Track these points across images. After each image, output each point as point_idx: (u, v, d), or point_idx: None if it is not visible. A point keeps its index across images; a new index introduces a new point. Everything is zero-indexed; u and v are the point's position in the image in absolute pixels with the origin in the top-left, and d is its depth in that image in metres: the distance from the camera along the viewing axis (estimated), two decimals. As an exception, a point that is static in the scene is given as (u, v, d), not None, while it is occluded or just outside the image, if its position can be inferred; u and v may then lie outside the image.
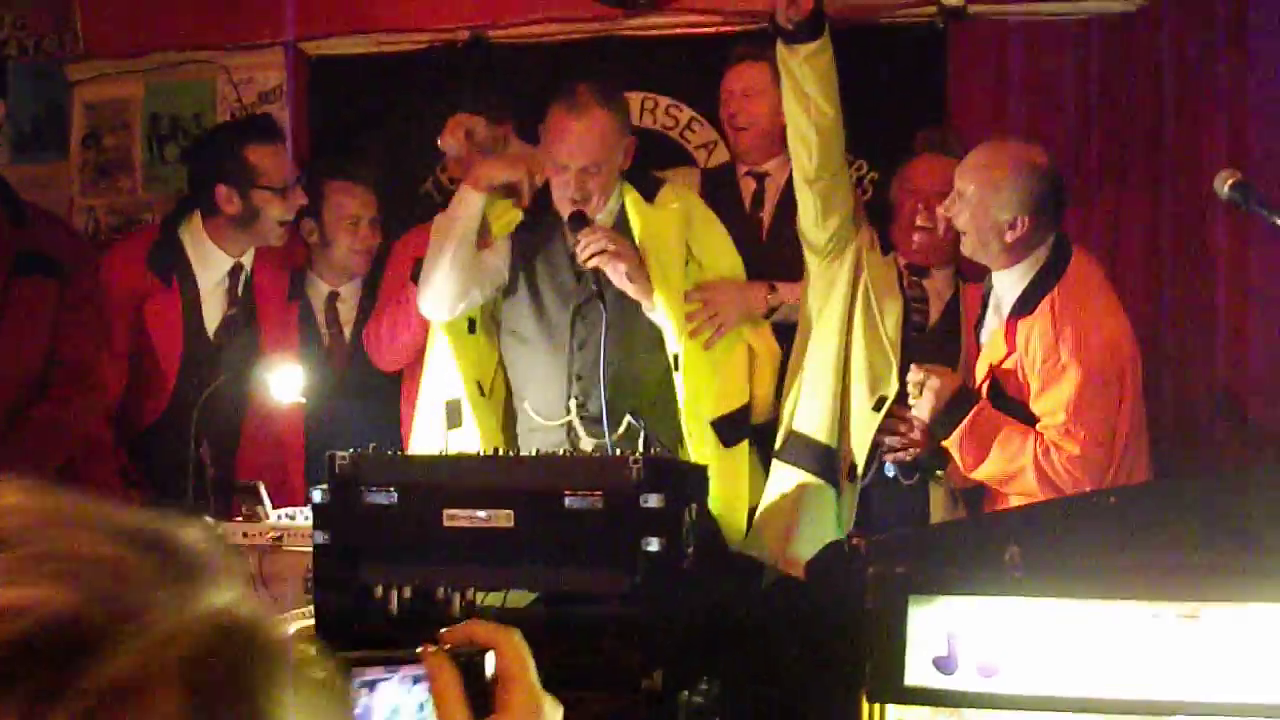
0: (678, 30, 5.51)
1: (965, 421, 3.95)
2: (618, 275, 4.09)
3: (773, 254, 4.67)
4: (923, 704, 2.66)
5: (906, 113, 5.01)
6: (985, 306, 4.21)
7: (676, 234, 4.27)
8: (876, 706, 2.68)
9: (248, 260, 4.89)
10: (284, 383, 4.40)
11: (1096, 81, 5.20)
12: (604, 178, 4.20)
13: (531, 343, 4.32)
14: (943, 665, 2.62)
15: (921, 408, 4.02)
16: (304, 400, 4.43)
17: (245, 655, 0.85)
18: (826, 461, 4.21)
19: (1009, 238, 3.99)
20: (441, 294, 4.23)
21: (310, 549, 3.58)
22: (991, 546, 2.63)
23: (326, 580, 3.41)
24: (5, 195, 4.13)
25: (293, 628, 3.63)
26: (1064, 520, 2.75)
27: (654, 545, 3.16)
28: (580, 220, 4.15)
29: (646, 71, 5.52)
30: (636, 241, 4.18)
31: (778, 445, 4.33)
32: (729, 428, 4.23)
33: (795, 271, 4.50)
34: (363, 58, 5.83)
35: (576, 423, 4.17)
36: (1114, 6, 5.16)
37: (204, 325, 4.82)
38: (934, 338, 4.38)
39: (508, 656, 1.34)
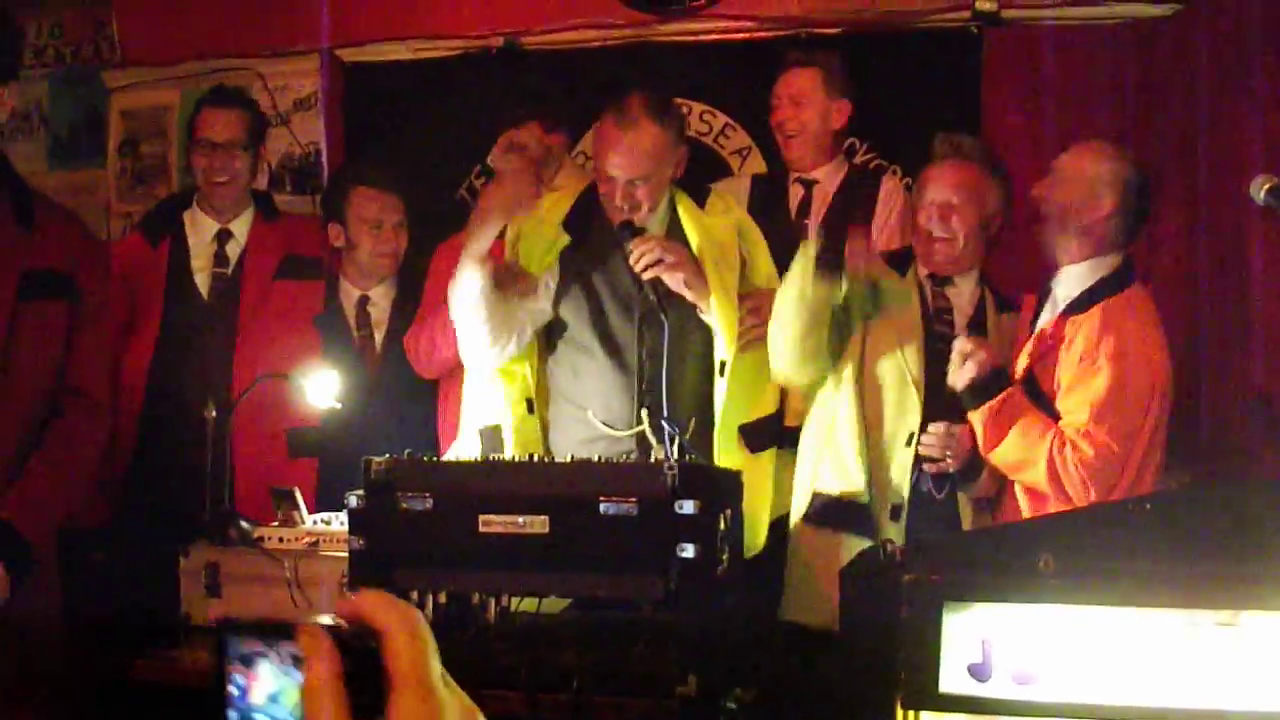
0: (711, 36, 5.52)
1: (995, 400, 3.95)
2: (675, 282, 4.07)
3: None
4: (957, 711, 2.66)
5: (940, 118, 4.99)
6: (1041, 305, 4.17)
7: (731, 240, 4.24)
8: (911, 714, 2.68)
9: (238, 229, 5.04)
10: (320, 388, 4.42)
11: (1131, 86, 5.18)
12: (652, 188, 4.15)
13: (595, 353, 4.26)
14: (977, 672, 2.62)
15: (961, 377, 4.00)
16: (339, 405, 4.45)
17: None
18: (860, 515, 4.11)
19: (1095, 226, 4.01)
20: (477, 351, 4.25)
21: (346, 554, 3.59)
22: (1026, 553, 2.63)
23: (362, 586, 3.42)
24: (12, 191, 3.71)
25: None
26: (1099, 527, 2.74)
27: (689, 551, 3.16)
28: (630, 229, 4.12)
29: (680, 77, 5.52)
30: (693, 248, 4.17)
31: (802, 511, 4.21)
32: (757, 434, 4.21)
33: None
34: (397, 64, 5.86)
35: (649, 432, 4.12)
36: (1149, 11, 5.14)
37: (194, 282, 5.00)
38: None
39: (399, 649, 1.04)
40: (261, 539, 4.02)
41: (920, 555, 2.73)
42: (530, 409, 4.34)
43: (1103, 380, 3.90)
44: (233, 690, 1.12)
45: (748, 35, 5.47)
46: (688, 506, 3.16)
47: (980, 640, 2.61)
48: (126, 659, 3.81)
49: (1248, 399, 4.94)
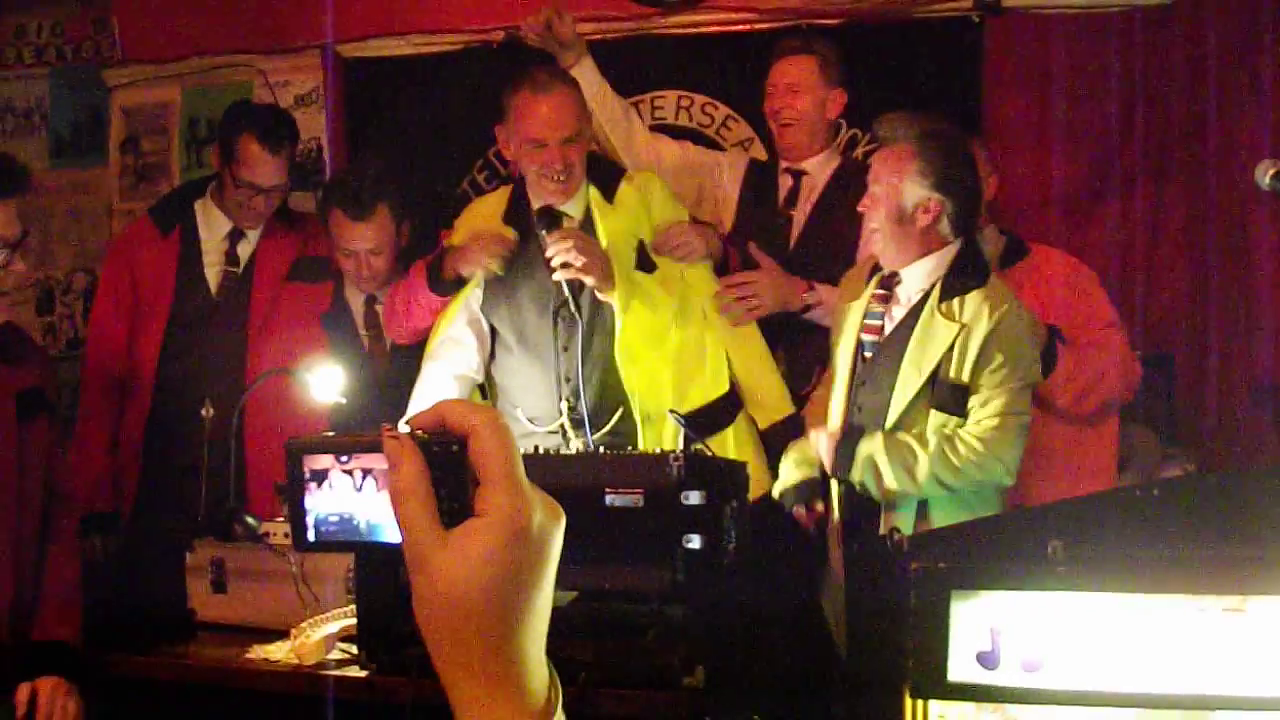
0: (713, 28, 5.52)
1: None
2: (585, 275, 4.11)
3: (801, 257, 4.66)
4: (966, 699, 2.65)
5: (941, 108, 4.98)
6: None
7: (630, 229, 4.30)
8: (920, 702, 2.67)
9: (250, 231, 5.04)
10: (323, 383, 4.41)
11: (1135, 74, 5.17)
12: (580, 149, 4.29)
13: (516, 351, 4.38)
14: (986, 661, 2.61)
15: None
16: (343, 400, 4.44)
17: None
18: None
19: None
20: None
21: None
22: (1034, 540, 2.62)
23: (368, 580, 3.42)
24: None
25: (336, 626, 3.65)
26: (1106, 513, 2.73)
27: (695, 542, 3.15)
28: (549, 216, 4.17)
29: (682, 69, 5.53)
30: (602, 242, 4.23)
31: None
32: (699, 421, 4.15)
33: (823, 275, 4.48)
34: (399, 59, 5.86)
35: (567, 425, 4.20)
36: (1151, -1, 5.14)
37: (204, 277, 4.99)
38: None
39: (488, 448, 1.07)
40: (268, 535, 4.02)
41: (927, 543, 2.73)
42: (484, 394, 4.50)
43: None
44: (307, 504, 1.18)
45: (748, 26, 5.46)
46: (694, 497, 3.16)
47: (989, 628, 2.61)
48: (134, 656, 3.82)
49: (1253, 383, 4.94)
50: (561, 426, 4.25)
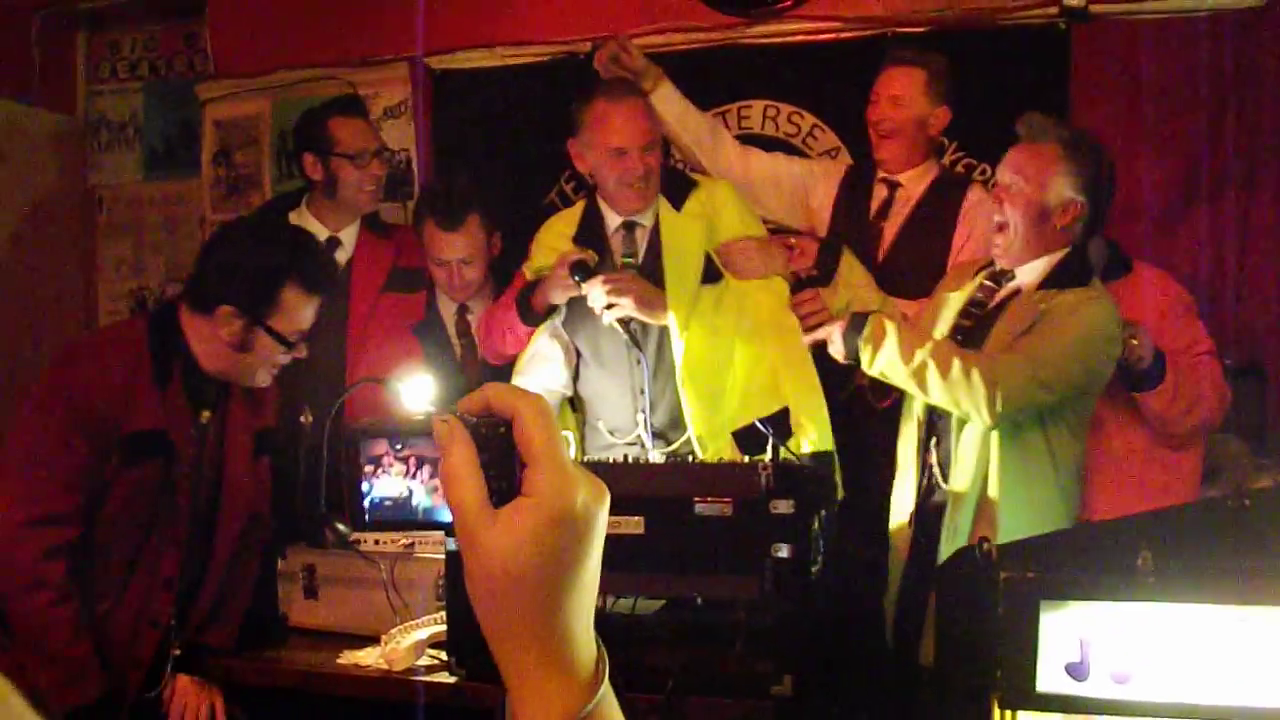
0: (799, 38, 5.52)
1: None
2: (630, 310, 4.17)
3: (889, 268, 4.61)
4: (1055, 710, 2.64)
5: (1030, 103, 4.94)
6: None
7: (697, 241, 4.29)
8: (1009, 713, 2.67)
9: (346, 237, 5.08)
10: (414, 392, 4.46)
11: (1223, 81, 5.13)
12: (658, 158, 4.31)
13: (593, 366, 4.44)
14: (1075, 671, 2.60)
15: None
16: (434, 409, 4.49)
17: None
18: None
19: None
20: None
21: (442, 556, 3.63)
22: (1123, 551, 2.61)
23: (458, 588, 3.45)
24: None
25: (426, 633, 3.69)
26: (1197, 524, 2.72)
27: (783, 551, 3.17)
28: (581, 269, 4.21)
29: (768, 79, 5.54)
30: (668, 252, 4.27)
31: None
32: (752, 438, 4.19)
33: (911, 292, 4.43)
34: (486, 71, 5.91)
35: (644, 436, 4.22)
36: (1241, 2, 5.08)
37: None
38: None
39: (531, 430, 1.11)
40: (358, 542, 4.07)
41: (1014, 553, 2.72)
42: (574, 407, 4.56)
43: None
44: (364, 487, 1.18)
45: (834, 36, 5.47)
46: (782, 506, 3.17)
47: (1078, 639, 2.60)
48: (227, 659, 3.88)
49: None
50: (639, 438, 4.28)
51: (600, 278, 4.18)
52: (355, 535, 4.09)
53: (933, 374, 3.83)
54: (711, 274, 4.29)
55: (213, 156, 6.45)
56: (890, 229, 4.71)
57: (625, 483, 3.39)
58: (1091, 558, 2.71)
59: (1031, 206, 3.94)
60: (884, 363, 3.92)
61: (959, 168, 5.20)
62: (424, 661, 3.64)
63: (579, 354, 4.48)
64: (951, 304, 4.14)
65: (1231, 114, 5.11)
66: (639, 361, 4.27)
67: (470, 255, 4.79)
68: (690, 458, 4.11)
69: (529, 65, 5.83)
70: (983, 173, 5.14)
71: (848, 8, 5.44)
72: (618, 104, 4.24)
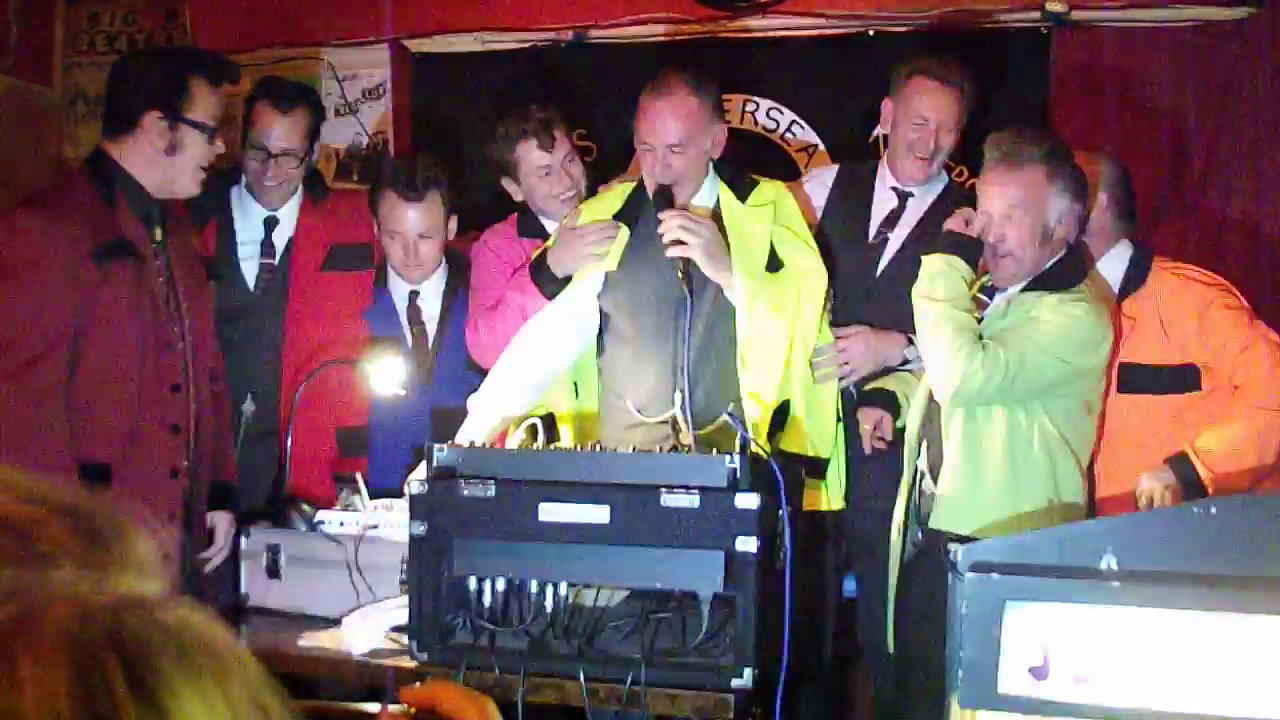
0: (781, 33, 5.52)
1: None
2: (694, 252, 4.12)
3: (889, 278, 4.55)
4: (1016, 711, 2.65)
5: (1008, 120, 4.92)
6: None
7: (765, 228, 4.27)
8: (969, 713, 2.67)
9: (286, 216, 4.99)
10: (385, 374, 4.45)
11: (1199, 89, 5.15)
12: (689, 158, 4.24)
13: (633, 341, 4.34)
14: (1037, 673, 2.61)
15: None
16: (403, 392, 4.47)
17: (144, 636, 0.74)
18: None
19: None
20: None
21: (406, 539, 3.62)
22: (1088, 554, 2.62)
23: (421, 571, 3.44)
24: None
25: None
26: (1162, 529, 2.72)
27: (748, 544, 3.16)
28: (666, 196, 4.20)
29: (748, 73, 5.53)
30: (726, 235, 4.21)
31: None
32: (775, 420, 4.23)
33: (907, 298, 4.26)
34: (466, 56, 5.89)
35: (679, 415, 4.18)
36: (1219, 14, 5.10)
37: (240, 270, 4.96)
38: None
39: None
40: (322, 523, 4.05)
41: (980, 555, 2.72)
42: (575, 392, 4.49)
43: None
44: None
45: (816, 33, 5.46)
46: (748, 500, 3.17)
47: (1040, 641, 2.61)
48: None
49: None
50: (673, 418, 4.23)
51: (678, 212, 4.16)
52: (320, 516, 4.08)
53: (935, 322, 3.94)
54: (774, 263, 4.26)
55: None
56: (894, 239, 4.63)
57: (593, 470, 3.38)
58: (1056, 560, 2.71)
59: (1035, 231, 3.94)
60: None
61: (955, 175, 5.09)
62: (385, 645, 3.63)
63: (604, 329, 4.44)
64: None
65: (1210, 121, 5.13)
66: (683, 338, 4.23)
67: (429, 229, 4.72)
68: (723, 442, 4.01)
69: (509, 51, 5.81)
70: (959, 174, 5.10)
71: (830, 4, 5.43)
72: (656, 98, 4.23)
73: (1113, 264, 4.30)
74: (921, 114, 4.52)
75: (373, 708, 1.16)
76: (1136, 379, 4.18)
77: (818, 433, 4.25)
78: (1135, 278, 4.28)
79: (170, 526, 3.88)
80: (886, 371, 4.44)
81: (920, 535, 4.07)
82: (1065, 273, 3.99)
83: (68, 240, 3.88)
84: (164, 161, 4.03)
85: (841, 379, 4.37)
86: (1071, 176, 3.97)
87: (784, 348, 4.18)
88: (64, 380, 3.88)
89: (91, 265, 3.88)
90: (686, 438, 4.11)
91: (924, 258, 4.07)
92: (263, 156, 4.83)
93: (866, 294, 4.52)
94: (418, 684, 1.16)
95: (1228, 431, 4.11)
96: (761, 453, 3.38)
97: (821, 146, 5.42)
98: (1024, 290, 4.00)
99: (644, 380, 4.30)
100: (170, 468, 4.02)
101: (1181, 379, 4.19)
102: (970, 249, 4.02)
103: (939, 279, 3.99)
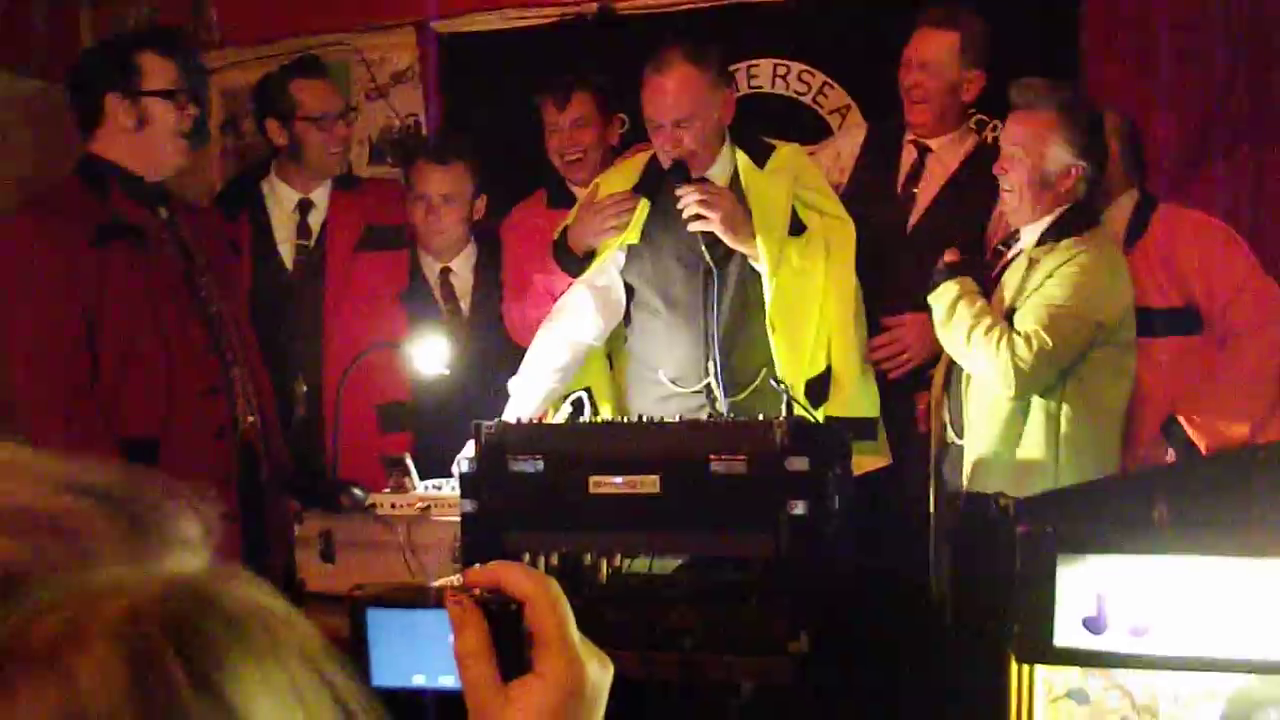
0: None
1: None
2: (715, 225, 4.13)
3: (920, 237, 4.54)
4: (1072, 664, 2.64)
5: (1038, 69, 4.88)
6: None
7: (783, 197, 4.27)
8: (1025, 667, 2.67)
9: (318, 199, 5.03)
10: (429, 355, 4.47)
11: (1234, 37, 5.09)
12: (697, 131, 4.23)
13: (664, 313, 4.36)
14: (1092, 625, 2.60)
15: None
16: (447, 372, 4.50)
17: (197, 622, 0.72)
18: None
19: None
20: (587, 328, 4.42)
21: (457, 518, 3.64)
22: (1140, 504, 2.62)
23: (474, 549, 3.46)
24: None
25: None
26: (1212, 476, 2.72)
27: (799, 508, 3.17)
28: (681, 170, 4.19)
29: (778, 37, 5.50)
30: (747, 202, 4.22)
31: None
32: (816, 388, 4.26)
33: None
34: (493, 34, 5.88)
35: (714, 384, 4.20)
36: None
37: (278, 253, 5.01)
38: None
39: (543, 614, 1.16)
40: (374, 506, 4.08)
41: (1032, 507, 2.73)
42: (610, 364, 4.54)
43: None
44: (373, 659, 1.25)
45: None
46: (798, 463, 3.18)
47: (1095, 593, 2.60)
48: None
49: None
50: (707, 387, 4.26)
51: (696, 185, 4.17)
52: (371, 499, 4.11)
53: (971, 334, 3.96)
54: (797, 226, 4.27)
55: (220, 126, 6.42)
56: (924, 197, 4.62)
57: (641, 441, 3.40)
58: (1108, 511, 2.71)
59: (1033, 175, 4.02)
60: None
61: (987, 134, 5.08)
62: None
63: (630, 301, 4.45)
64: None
65: (1243, 70, 5.08)
66: (713, 306, 4.25)
67: (454, 194, 4.80)
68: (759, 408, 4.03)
69: (536, 27, 5.80)
70: (994, 130, 5.07)
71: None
72: (660, 74, 4.22)
73: (1120, 213, 4.31)
74: (918, 59, 4.55)
75: (442, 583, 1.19)
76: (1138, 322, 4.17)
77: (862, 393, 4.27)
78: (1139, 223, 4.29)
79: (223, 491, 4.00)
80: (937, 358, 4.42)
81: (950, 491, 4.11)
82: (1073, 224, 4.05)
83: (63, 233, 3.99)
84: (138, 138, 4.12)
85: (898, 368, 4.38)
86: (1081, 134, 4.03)
87: (815, 310, 4.20)
88: (89, 367, 3.97)
89: (91, 252, 3.98)
90: (722, 406, 4.13)
91: (931, 297, 4.12)
92: (310, 123, 4.91)
93: (897, 252, 4.51)
94: (477, 565, 1.20)
95: (1220, 388, 4.10)
96: (808, 416, 3.38)
97: (854, 107, 5.39)
98: (1036, 245, 4.05)
99: (676, 351, 4.31)
100: (216, 429, 4.12)
101: (1181, 321, 4.17)
102: (972, 268, 4.11)
103: (959, 304, 4.03)
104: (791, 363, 4.17)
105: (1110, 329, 3.98)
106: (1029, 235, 4.11)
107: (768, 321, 4.18)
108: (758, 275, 4.21)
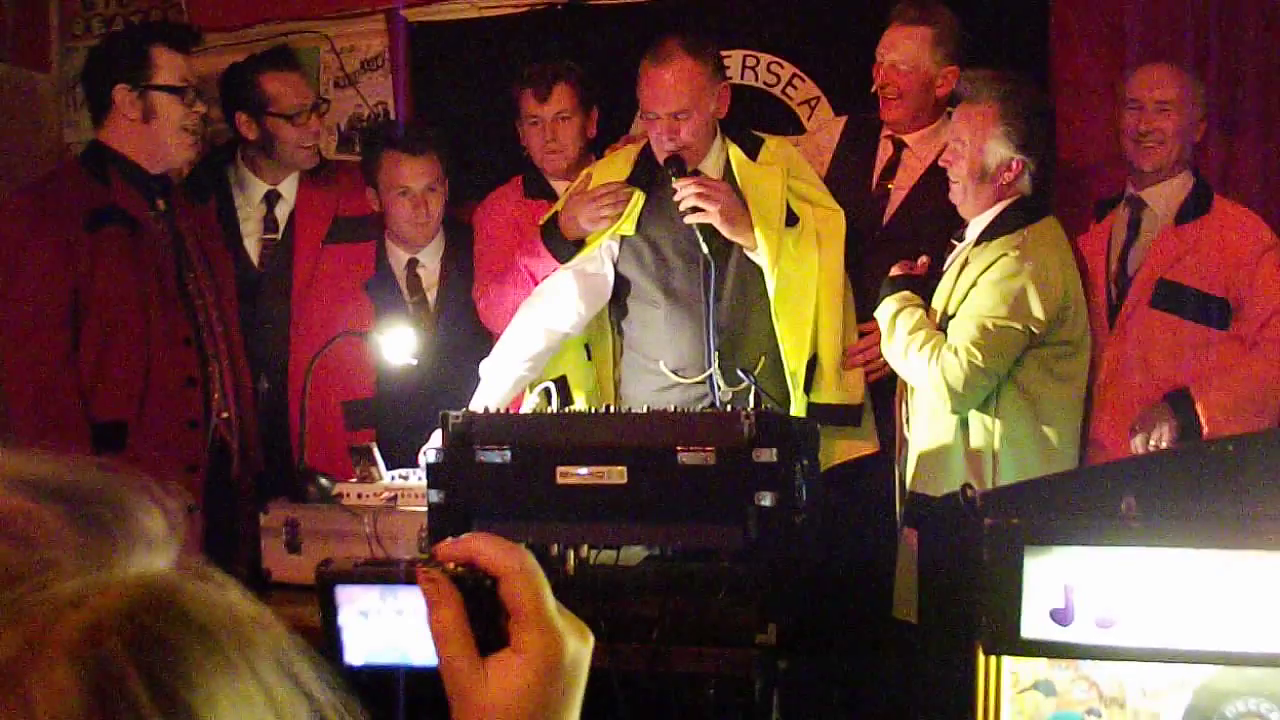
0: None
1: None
2: (713, 218, 4.12)
3: (894, 233, 4.56)
4: (1039, 656, 2.64)
5: (1009, 64, 4.86)
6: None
7: (776, 189, 4.28)
8: (993, 659, 2.67)
9: (286, 190, 5.02)
10: (398, 344, 4.45)
11: (1204, 29, 5.09)
12: (694, 124, 4.25)
13: (660, 304, 4.37)
14: (1059, 617, 2.60)
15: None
16: (415, 362, 4.47)
17: (160, 630, 0.70)
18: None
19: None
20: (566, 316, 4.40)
21: (424, 509, 3.62)
22: (1107, 496, 2.61)
23: (440, 540, 3.43)
24: None
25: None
26: (1181, 469, 2.72)
27: (767, 500, 3.17)
28: (676, 164, 4.20)
29: (747, 28, 5.49)
30: (749, 196, 4.22)
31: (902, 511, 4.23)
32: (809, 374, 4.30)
33: (914, 253, 4.38)
34: (463, 23, 5.85)
35: (716, 375, 4.21)
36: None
37: (244, 247, 4.98)
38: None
39: (519, 587, 1.13)
40: (340, 495, 4.06)
41: (999, 499, 2.72)
42: (588, 355, 4.52)
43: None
44: (342, 638, 1.23)
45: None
46: (766, 455, 3.17)
47: (1062, 585, 2.60)
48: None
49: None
50: (710, 377, 4.26)
51: (693, 179, 4.17)
52: (338, 488, 4.09)
53: (907, 351, 4.03)
54: (790, 217, 4.29)
55: (188, 111, 6.37)
56: (899, 192, 4.64)
57: (608, 432, 3.38)
58: (1076, 503, 2.71)
59: (973, 168, 4.09)
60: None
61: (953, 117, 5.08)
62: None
63: (627, 293, 4.44)
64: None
65: (1213, 62, 5.08)
66: (715, 296, 4.23)
67: (434, 182, 4.79)
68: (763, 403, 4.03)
69: (506, 16, 5.77)
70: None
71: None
72: (657, 66, 4.24)
73: (1171, 191, 4.35)
74: (887, 56, 4.56)
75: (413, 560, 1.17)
76: (1169, 296, 4.19)
77: (849, 380, 4.28)
78: (1196, 205, 4.32)
79: (189, 482, 4.12)
80: None
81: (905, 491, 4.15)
82: (1014, 217, 4.10)
83: (59, 215, 4.10)
84: (143, 130, 4.25)
85: (876, 371, 4.39)
86: (1023, 127, 4.07)
87: (812, 299, 4.22)
88: (70, 347, 4.06)
89: (85, 235, 4.10)
90: (725, 396, 4.14)
91: (877, 312, 4.18)
92: (281, 120, 4.89)
93: (874, 247, 4.50)
94: (448, 539, 1.18)
95: (1237, 382, 4.12)
96: (776, 408, 3.38)
97: (824, 100, 5.38)
98: (975, 244, 4.12)
99: (678, 342, 4.31)
100: (188, 419, 4.22)
101: (1211, 310, 4.17)
102: (917, 285, 4.16)
103: (898, 320, 4.08)
104: (796, 351, 4.20)
105: (1047, 328, 3.99)
106: (974, 229, 4.17)
107: (773, 312, 4.20)
108: (754, 266, 4.22)
